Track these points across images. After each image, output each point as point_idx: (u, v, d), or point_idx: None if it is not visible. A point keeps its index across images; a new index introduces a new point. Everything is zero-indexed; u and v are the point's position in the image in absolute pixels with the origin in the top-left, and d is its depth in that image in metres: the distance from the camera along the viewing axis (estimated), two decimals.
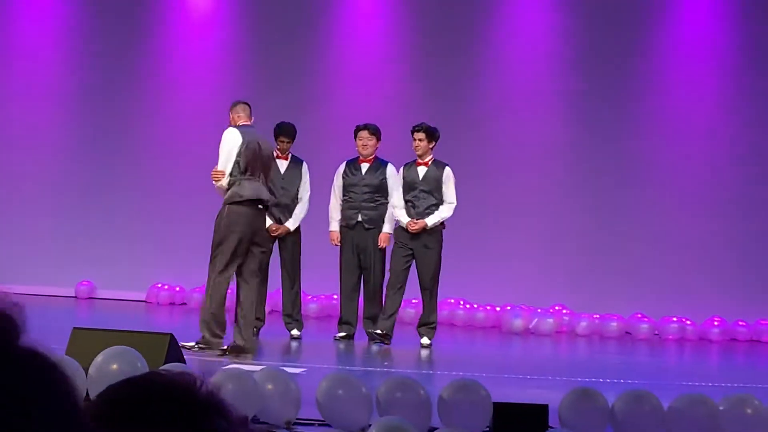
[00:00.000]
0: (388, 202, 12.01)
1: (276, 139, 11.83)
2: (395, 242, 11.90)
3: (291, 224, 11.88)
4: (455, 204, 11.85)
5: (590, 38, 14.85)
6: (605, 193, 14.69)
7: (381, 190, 12.00)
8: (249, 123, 10.49)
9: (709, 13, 14.94)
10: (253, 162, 10.15)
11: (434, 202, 11.78)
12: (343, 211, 12.06)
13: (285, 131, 11.89)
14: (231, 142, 10.22)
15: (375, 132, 11.97)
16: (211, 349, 10.03)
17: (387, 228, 12.00)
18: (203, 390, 1.44)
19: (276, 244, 11.88)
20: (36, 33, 15.27)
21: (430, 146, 11.85)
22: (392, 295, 11.81)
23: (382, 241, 11.99)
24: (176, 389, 1.44)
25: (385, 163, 12.09)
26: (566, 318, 14.18)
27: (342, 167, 12.18)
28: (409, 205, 11.81)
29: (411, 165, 11.98)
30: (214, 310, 10.08)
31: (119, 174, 15.00)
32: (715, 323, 14.21)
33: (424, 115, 14.79)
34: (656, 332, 14.22)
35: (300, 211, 11.91)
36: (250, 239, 10.14)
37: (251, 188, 10.11)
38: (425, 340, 11.94)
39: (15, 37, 15.28)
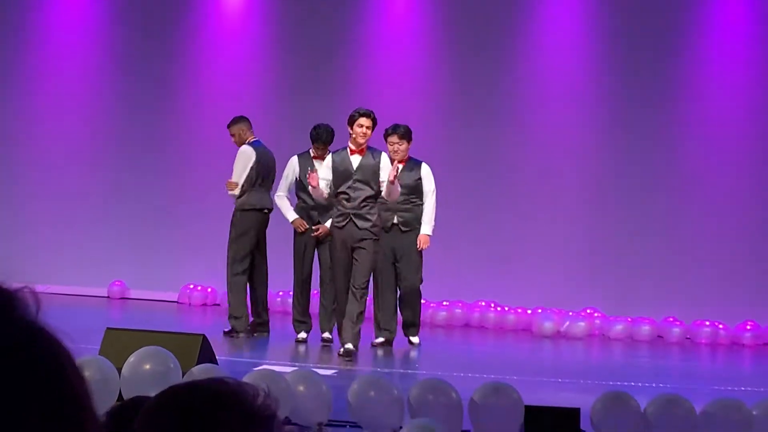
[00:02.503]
0: (423, 203, 11.80)
1: (312, 144, 11.81)
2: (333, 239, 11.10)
3: (330, 224, 11.71)
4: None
5: (627, 38, 14.77)
6: (638, 197, 14.63)
7: (416, 191, 11.78)
8: (255, 138, 12.04)
9: (748, 12, 14.84)
10: (262, 174, 11.88)
11: (371, 193, 10.83)
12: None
13: (319, 137, 11.73)
14: (247, 159, 11.90)
15: (404, 135, 11.76)
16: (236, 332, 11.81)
17: (426, 229, 11.75)
18: (259, 402, 1.53)
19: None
20: (66, 41, 15.35)
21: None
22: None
23: (422, 242, 11.75)
24: (234, 397, 1.52)
25: (419, 163, 11.89)
26: (598, 321, 14.14)
27: None
28: (344, 197, 10.86)
29: (342, 153, 11.02)
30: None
31: (152, 175, 15.05)
32: (748, 327, 14.13)
33: (457, 114, 14.79)
34: (688, 336, 14.15)
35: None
36: (258, 241, 11.88)
37: (259, 197, 11.88)
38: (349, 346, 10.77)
39: (47, 44, 15.37)
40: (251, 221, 11.87)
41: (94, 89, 15.33)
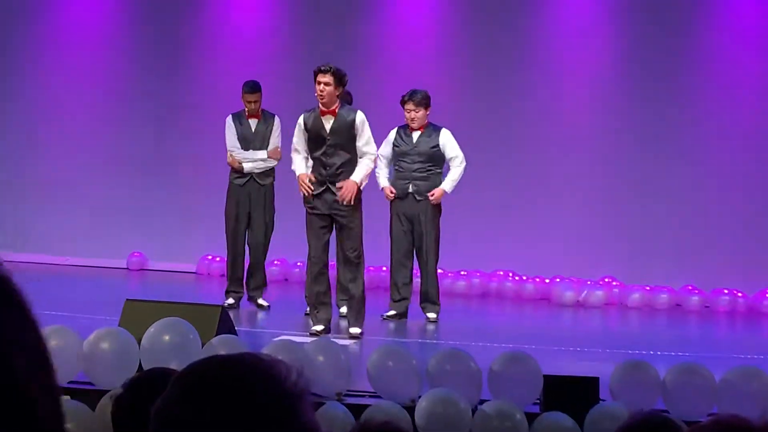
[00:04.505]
0: (441, 172, 11.40)
1: None
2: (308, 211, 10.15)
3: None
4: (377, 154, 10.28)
5: (642, 7, 14.71)
6: (656, 165, 14.58)
7: (434, 159, 11.38)
8: None
9: None
10: None
11: (348, 157, 9.97)
12: (393, 181, 11.47)
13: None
14: None
15: (421, 102, 11.31)
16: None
17: (446, 185, 11.29)
18: (291, 380, 1.54)
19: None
20: (90, 7, 15.34)
21: (337, 93, 9.99)
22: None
23: (436, 192, 11.24)
24: (266, 373, 1.54)
25: (438, 129, 11.46)
26: (616, 290, 14.11)
27: (392, 134, 11.52)
28: (318, 164, 10.04)
29: (313, 114, 10.11)
30: None
31: (170, 146, 15.06)
32: (767, 295, 14.10)
33: (472, 82, 14.74)
34: (707, 304, 14.13)
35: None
36: None
37: None
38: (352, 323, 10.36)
39: (69, 6, 15.37)
40: None
41: (117, 59, 15.30)
